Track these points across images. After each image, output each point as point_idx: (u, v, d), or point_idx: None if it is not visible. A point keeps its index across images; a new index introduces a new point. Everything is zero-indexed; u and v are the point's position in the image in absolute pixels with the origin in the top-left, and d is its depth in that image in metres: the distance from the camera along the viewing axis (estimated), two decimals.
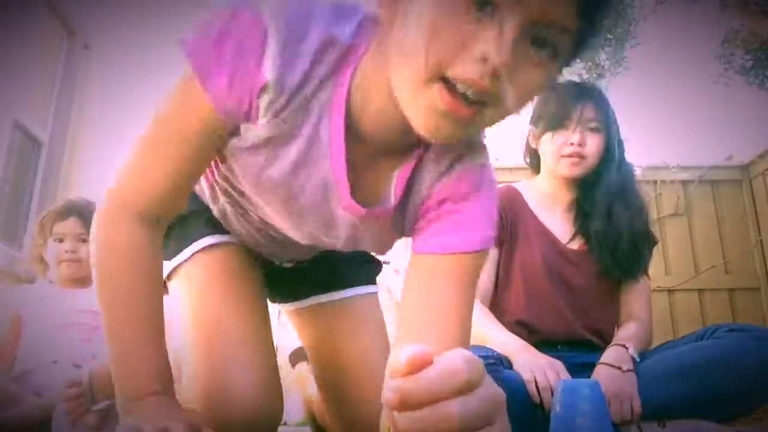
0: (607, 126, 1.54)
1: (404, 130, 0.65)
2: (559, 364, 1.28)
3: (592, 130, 1.52)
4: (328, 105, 0.69)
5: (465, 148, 0.75)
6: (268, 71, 0.65)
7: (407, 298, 0.75)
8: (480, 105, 0.58)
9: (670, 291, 4.04)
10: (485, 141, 0.78)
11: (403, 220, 0.78)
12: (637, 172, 4.33)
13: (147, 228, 0.75)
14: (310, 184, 0.74)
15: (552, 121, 1.53)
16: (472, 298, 0.75)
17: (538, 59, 0.59)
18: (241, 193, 0.82)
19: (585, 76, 4.69)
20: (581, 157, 1.50)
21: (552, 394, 1.18)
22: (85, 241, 1.91)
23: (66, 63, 4.15)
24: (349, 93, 0.69)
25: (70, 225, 1.90)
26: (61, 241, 1.89)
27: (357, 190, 0.74)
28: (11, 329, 1.86)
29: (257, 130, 0.71)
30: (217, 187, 0.88)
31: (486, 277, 1.53)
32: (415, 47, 0.58)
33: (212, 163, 0.81)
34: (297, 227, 0.82)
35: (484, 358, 1.26)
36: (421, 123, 0.61)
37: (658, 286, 3.99)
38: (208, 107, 0.68)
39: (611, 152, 1.54)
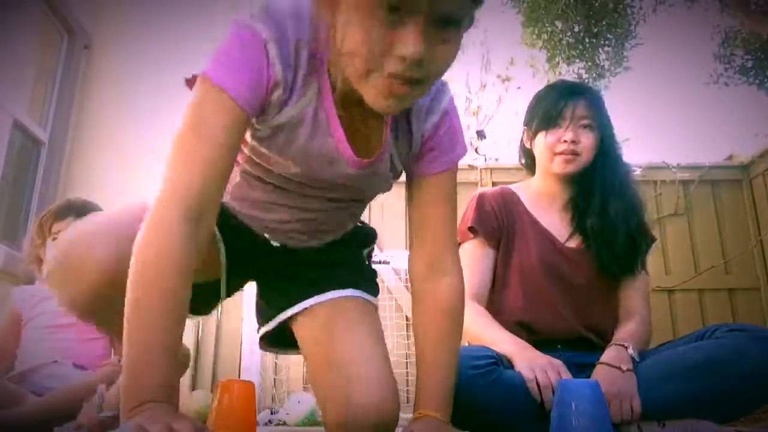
0: (600, 123, 1.54)
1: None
2: (559, 363, 1.28)
3: (585, 127, 1.53)
4: (318, 94, 0.88)
5: (432, 96, 0.96)
6: (275, 72, 0.84)
7: (423, 204, 1.01)
8: (411, 83, 0.76)
9: (670, 291, 4.04)
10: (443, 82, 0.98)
11: (401, 158, 1.00)
12: (637, 172, 4.36)
13: (189, 225, 0.79)
14: (319, 155, 0.92)
15: (544, 119, 1.55)
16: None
17: (445, 37, 0.74)
18: (268, 161, 0.96)
19: (585, 76, 4.69)
20: (575, 154, 1.51)
21: (553, 393, 1.18)
22: None
23: (66, 63, 4.15)
24: (330, 80, 0.87)
25: (69, 224, 1.90)
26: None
27: (356, 149, 0.93)
28: (11, 329, 1.86)
29: (272, 120, 0.88)
30: (239, 168, 1.00)
31: (481, 275, 1.53)
32: (351, 52, 0.76)
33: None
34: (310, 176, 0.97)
35: (483, 357, 1.26)
36: (373, 104, 0.80)
37: (658, 286, 3.99)
38: (232, 104, 0.81)
39: (606, 149, 1.55)
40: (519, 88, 10.73)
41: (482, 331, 1.41)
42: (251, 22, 0.83)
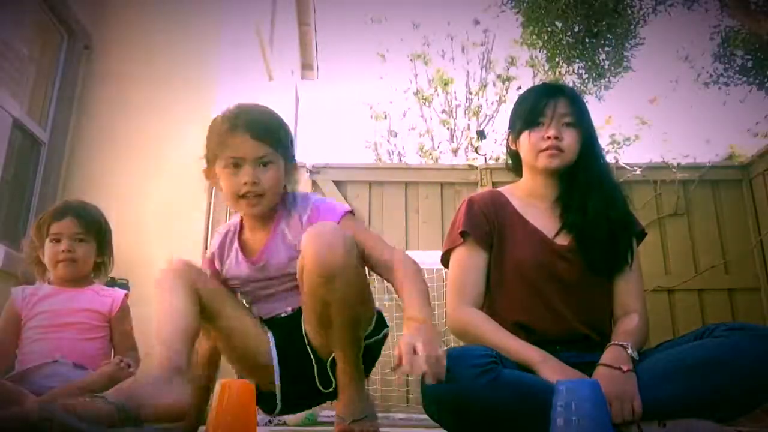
0: (581, 121, 1.57)
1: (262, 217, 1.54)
2: (582, 375, 1.30)
3: (567, 125, 1.55)
4: (234, 246, 1.58)
5: (299, 203, 1.54)
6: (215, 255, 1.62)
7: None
8: (256, 197, 1.45)
9: (670, 291, 4.04)
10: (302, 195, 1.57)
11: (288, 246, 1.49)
12: (637, 172, 4.35)
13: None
14: (239, 264, 1.56)
15: (527, 118, 1.57)
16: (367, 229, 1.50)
17: (266, 168, 1.44)
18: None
19: (585, 76, 4.69)
20: (559, 150, 1.53)
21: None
22: (81, 240, 1.91)
23: (66, 63, 4.15)
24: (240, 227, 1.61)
25: (67, 224, 1.90)
26: (57, 240, 1.89)
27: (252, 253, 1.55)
28: (11, 329, 1.86)
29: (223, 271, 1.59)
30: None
31: (475, 278, 1.54)
32: (226, 194, 1.48)
33: None
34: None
35: (483, 356, 1.26)
36: (245, 214, 1.54)
37: (658, 286, 3.99)
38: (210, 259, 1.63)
39: (587, 146, 1.58)
40: (519, 88, 10.76)
41: (499, 340, 1.41)
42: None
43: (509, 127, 1.67)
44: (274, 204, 1.50)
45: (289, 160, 1.52)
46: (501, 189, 1.69)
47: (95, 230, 1.95)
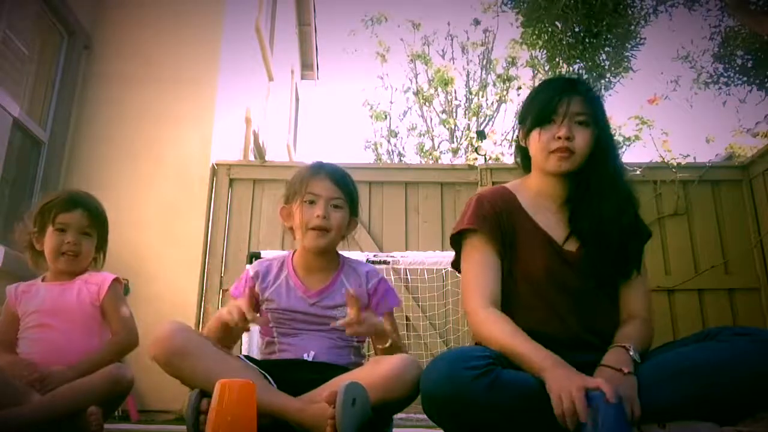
0: (595, 120, 1.50)
1: (321, 260, 1.72)
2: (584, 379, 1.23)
3: (580, 123, 1.48)
4: (286, 274, 1.72)
5: (367, 268, 1.77)
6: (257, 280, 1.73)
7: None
8: (323, 231, 1.64)
9: (670, 291, 4.04)
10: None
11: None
12: (637, 172, 4.34)
13: None
14: (289, 292, 1.69)
15: (539, 116, 1.50)
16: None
17: (335, 210, 1.65)
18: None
19: (585, 76, 4.68)
20: (570, 151, 1.47)
21: (577, 420, 1.15)
22: (86, 234, 1.89)
23: (66, 63, 4.15)
24: (293, 257, 1.76)
25: (76, 216, 1.87)
26: (63, 231, 1.87)
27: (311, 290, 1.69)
28: (9, 327, 1.86)
29: (265, 294, 1.70)
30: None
31: (488, 273, 1.49)
32: (298, 225, 1.65)
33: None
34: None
35: (481, 358, 1.25)
36: (309, 245, 1.66)
37: (658, 286, 3.99)
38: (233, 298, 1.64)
39: (601, 147, 1.50)
40: (519, 88, 10.75)
41: (513, 342, 1.35)
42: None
43: (519, 122, 1.59)
44: (335, 245, 1.70)
45: (352, 213, 1.72)
46: (509, 185, 1.61)
47: (99, 225, 1.94)
